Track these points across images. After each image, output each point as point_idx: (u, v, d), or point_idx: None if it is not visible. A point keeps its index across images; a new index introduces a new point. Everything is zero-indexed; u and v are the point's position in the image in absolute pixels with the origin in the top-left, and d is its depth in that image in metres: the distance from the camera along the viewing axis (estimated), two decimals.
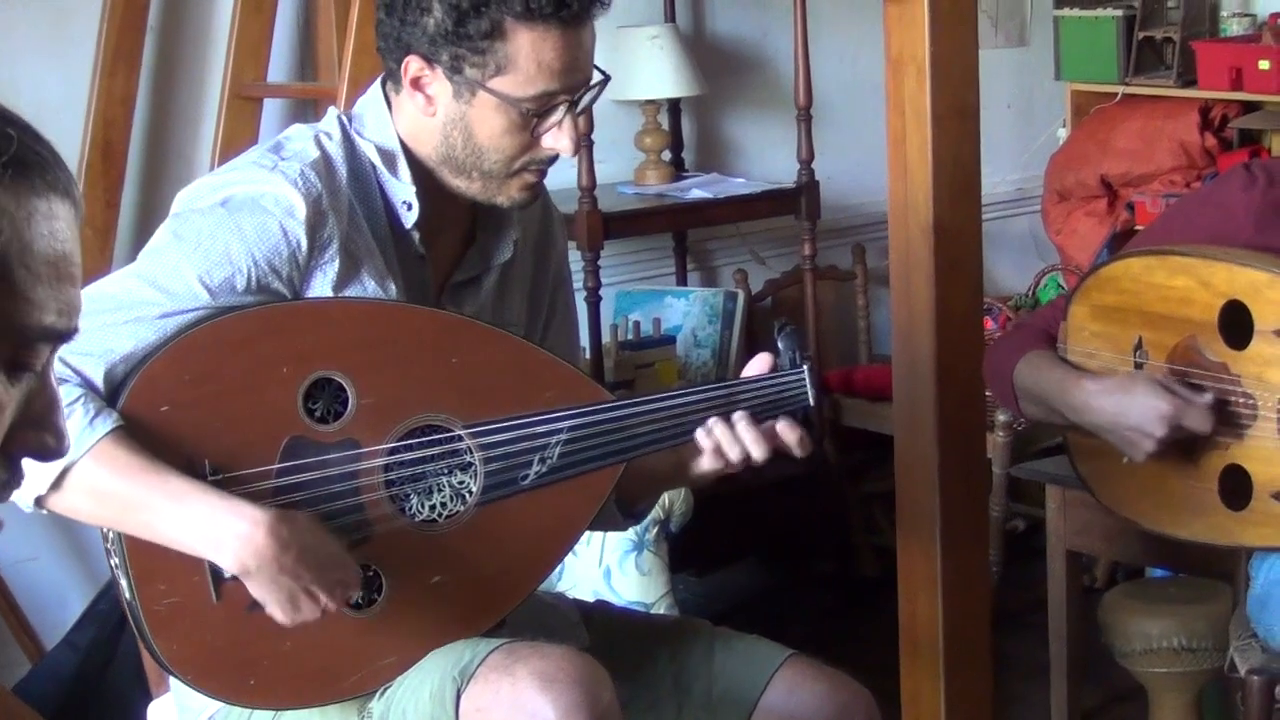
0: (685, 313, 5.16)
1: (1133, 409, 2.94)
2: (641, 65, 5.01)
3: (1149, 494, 3.05)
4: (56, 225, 1.20)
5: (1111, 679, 4.33)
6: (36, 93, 4.17)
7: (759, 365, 2.56)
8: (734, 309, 5.16)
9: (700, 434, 2.51)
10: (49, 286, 1.19)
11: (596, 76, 2.52)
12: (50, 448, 1.25)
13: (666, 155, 5.24)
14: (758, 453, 2.50)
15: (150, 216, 4.46)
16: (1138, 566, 4.78)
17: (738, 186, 5.17)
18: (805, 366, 2.54)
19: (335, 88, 4.12)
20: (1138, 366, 3.02)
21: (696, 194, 5.06)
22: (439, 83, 2.47)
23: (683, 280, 5.39)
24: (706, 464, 2.53)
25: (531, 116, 2.46)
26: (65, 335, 1.22)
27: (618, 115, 5.13)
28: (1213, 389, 2.95)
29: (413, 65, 2.48)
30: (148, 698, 2.82)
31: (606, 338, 4.93)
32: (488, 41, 2.42)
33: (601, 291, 4.84)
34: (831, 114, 5.47)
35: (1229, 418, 2.94)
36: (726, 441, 2.50)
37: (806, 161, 5.10)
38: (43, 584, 4.31)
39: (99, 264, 4.04)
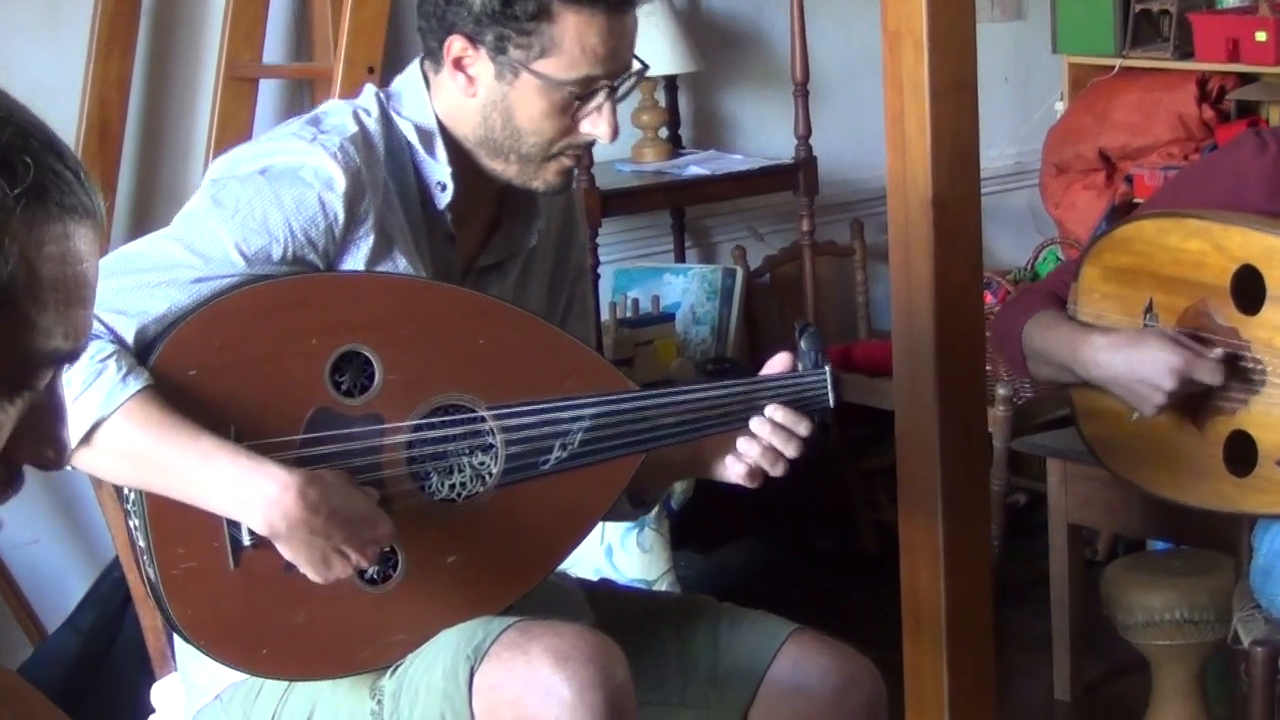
0: (684, 290, 5.16)
1: (1143, 362, 2.93)
2: (638, 42, 4.98)
3: (1153, 458, 3.05)
4: (70, 248, 1.19)
5: (1114, 652, 4.33)
6: (31, 76, 4.16)
7: (779, 364, 2.57)
8: (733, 286, 5.15)
9: (744, 444, 2.52)
10: (56, 312, 1.19)
11: (635, 65, 2.54)
12: (49, 460, 1.25)
13: (664, 132, 5.23)
14: (792, 451, 2.52)
15: (147, 199, 4.45)
16: (1139, 539, 4.78)
17: (735, 163, 5.16)
18: (827, 368, 2.55)
19: (330, 68, 4.11)
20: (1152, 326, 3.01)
21: (694, 171, 5.06)
22: (481, 63, 2.48)
23: (681, 257, 5.39)
24: (733, 473, 2.55)
25: (573, 100, 2.48)
26: (71, 357, 1.22)
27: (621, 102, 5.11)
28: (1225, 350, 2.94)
29: (455, 45, 2.48)
30: (151, 679, 2.82)
31: (605, 315, 4.93)
32: (534, 23, 2.43)
33: (600, 269, 4.83)
34: (828, 89, 5.46)
35: (1237, 383, 2.94)
36: (781, 440, 2.51)
37: (804, 137, 5.10)
38: (44, 567, 4.31)
39: None
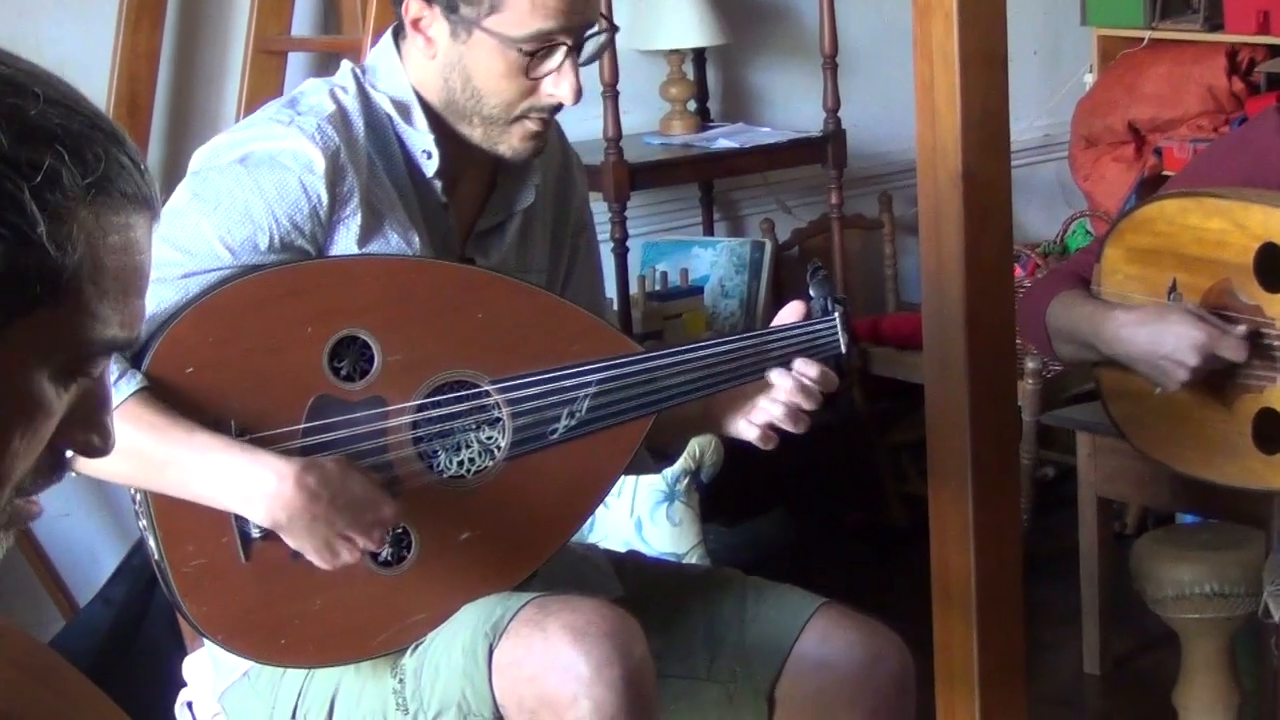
0: (712, 263, 5.15)
1: (1166, 337, 2.93)
2: (666, 15, 4.99)
3: (1181, 437, 3.04)
4: (131, 238, 1.20)
5: (1143, 625, 4.33)
6: (60, 49, 4.16)
7: (791, 313, 2.53)
8: (761, 259, 5.15)
9: (765, 404, 2.50)
10: (115, 301, 1.20)
11: (602, 24, 2.51)
12: (95, 446, 1.27)
13: (692, 105, 5.22)
14: (810, 404, 2.49)
15: (176, 172, 4.42)
16: (1169, 513, 4.77)
17: (764, 136, 5.16)
18: (837, 312, 2.51)
19: (359, 40, 4.11)
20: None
21: (723, 144, 5.05)
22: (437, 23, 2.46)
23: (709, 230, 5.38)
24: (746, 430, 2.53)
25: (527, 59, 2.43)
26: (126, 346, 1.24)
27: (642, 65, 5.12)
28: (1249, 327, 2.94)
29: (413, 5, 2.47)
30: (183, 651, 2.83)
31: (634, 289, 4.93)
32: None
33: (628, 243, 4.83)
34: (857, 61, 5.45)
35: (1263, 361, 2.93)
36: (802, 396, 2.48)
37: (833, 110, 5.09)
38: (75, 540, 4.32)
39: None
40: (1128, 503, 4.91)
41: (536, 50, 2.43)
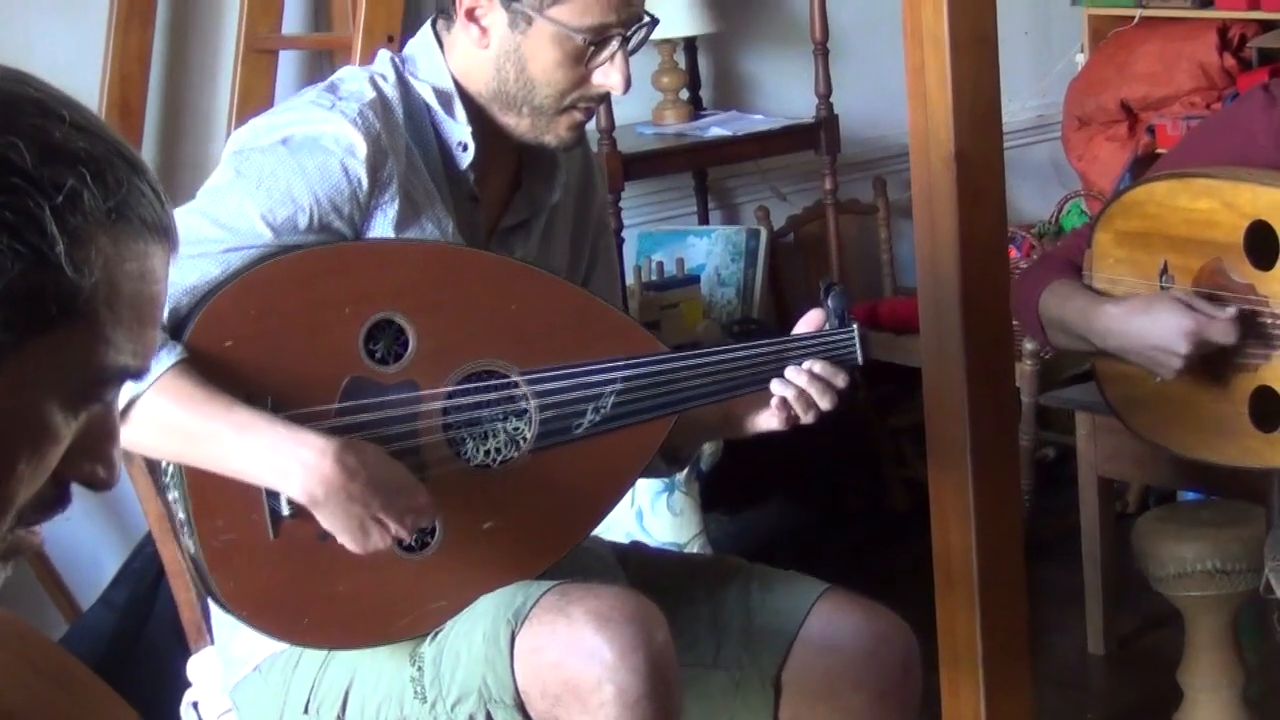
0: (708, 251, 5.15)
1: (1155, 328, 2.93)
2: (657, 4, 4.95)
3: (1179, 419, 3.04)
4: (148, 266, 1.21)
5: (1147, 604, 4.33)
6: (50, 51, 4.16)
7: (810, 323, 2.58)
8: (757, 246, 5.15)
9: (777, 385, 2.52)
10: (129, 329, 1.20)
11: (645, 18, 2.54)
12: (100, 479, 1.26)
13: (684, 94, 5.22)
14: (827, 403, 2.51)
15: (170, 174, 4.45)
16: (1170, 490, 4.78)
17: (757, 123, 5.16)
18: (854, 325, 2.55)
19: (350, 37, 4.11)
20: (1164, 291, 3.01)
21: (716, 132, 5.06)
22: (494, 13, 2.49)
23: (704, 219, 5.38)
24: (767, 421, 2.55)
25: (586, 49, 2.48)
26: (137, 375, 1.23)
27: (634, 55, 5.10)
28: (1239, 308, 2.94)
29: None
30: (187, 653, 2.84)
31: (630, 279, 4.93)
32: None
33: (624, 233, 4.83)
34: (848, 47, 5.45)
35: (1257, 339, 2.93)
36: (817, 390, 2.50)
37: (825, 96, 5.09)
38: (77, 542, 4.32)
39: None
40: (1129, 482, 4.91)
41: (595, 41, 2.47)
